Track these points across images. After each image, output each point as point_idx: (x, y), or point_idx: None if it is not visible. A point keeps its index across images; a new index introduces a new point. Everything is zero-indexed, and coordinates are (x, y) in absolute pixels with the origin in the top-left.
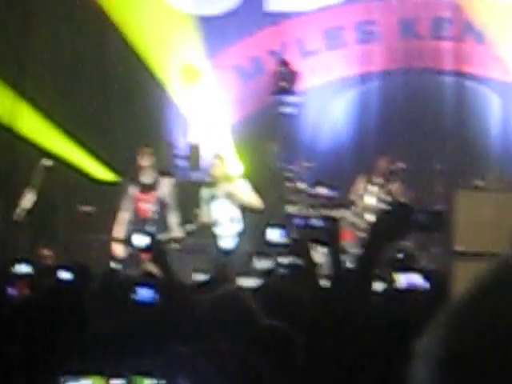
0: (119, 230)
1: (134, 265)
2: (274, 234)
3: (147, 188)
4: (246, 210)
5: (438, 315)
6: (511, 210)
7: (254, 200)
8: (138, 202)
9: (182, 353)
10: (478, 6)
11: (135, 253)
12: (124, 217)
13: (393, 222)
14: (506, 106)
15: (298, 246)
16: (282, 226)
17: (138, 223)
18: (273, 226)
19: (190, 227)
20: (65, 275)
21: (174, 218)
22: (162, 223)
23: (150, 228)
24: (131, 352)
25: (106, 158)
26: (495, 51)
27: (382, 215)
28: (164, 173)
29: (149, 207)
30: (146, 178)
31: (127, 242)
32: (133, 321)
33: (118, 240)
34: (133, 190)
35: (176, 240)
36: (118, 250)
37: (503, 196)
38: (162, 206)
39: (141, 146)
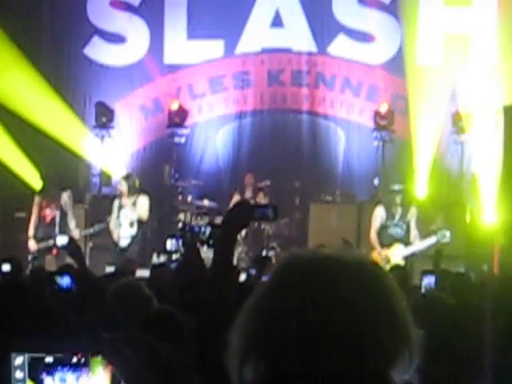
0: (31, 231)
1: (42, 257)
2: (172, 243)
3: (50, 199)
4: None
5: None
6: (351, 218)
7: (144, 214)
8: (44, 209)
9: (106, 338)
10: (328, 61)
11: (44, 248)
12: (33, 220)
13: (237, 215)
14: (349, 139)
15: (189, 248)
16: (177, 236)
17: (44, 226)
18: (171, 236)
19: (88, 231)
20: (5, 267)
21: (72, 223)
22: (64, 226)
23: (53, 229)
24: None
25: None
26: (341, 96)
27: (229, 211)
28: (63, 188)
29: (51, 214)
30: (50, 191)
31: (54, 241)
32: (57, 304)
33: (32, 238)
34: (38, 200)
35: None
36: (32, 245)
37: (345, 207)
38: (63, 212)
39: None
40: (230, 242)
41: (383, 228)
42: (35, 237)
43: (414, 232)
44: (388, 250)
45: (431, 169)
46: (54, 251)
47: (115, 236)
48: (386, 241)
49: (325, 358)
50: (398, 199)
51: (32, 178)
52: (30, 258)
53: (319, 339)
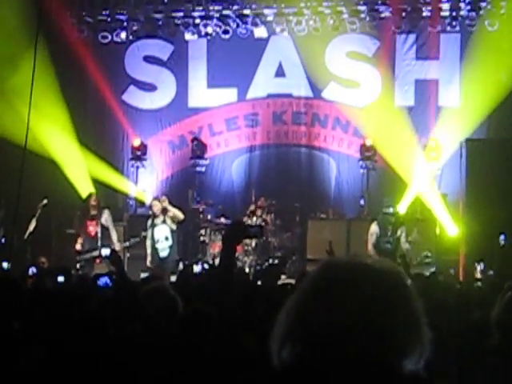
0: (78, 245)
1: (90, 266)
2: (197, 268)
3: (93, 217)
4: (175, 221)
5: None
6: (342, 232)
7: (179, 214)
8: (88, 226)
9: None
10: (322, 104)
11: (90, 258)
12: (80, 236)
13: (234, 232)
14: (339, 167)
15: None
16: (201, 262)
17: (89, 239)
18: (197, 262)
19: (125, 244)
20: (60, 278)
21: (114, 236)
22: (105, 239)
23: (96, 243)
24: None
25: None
26: (333, 132)
27: (227, 228)
28: (104, 207)
29: (94, 229)
30: (93, 211)
31: (98, 252)
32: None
33: (79, 251)
34: (84, 219)
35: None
36: (77, 257)
37: (337, 223)
38: (104, 228)
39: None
40: (230, 251)
41: (376, 243)
42: (81, 249)
43: (405, 246)
44: None
45: (407, 191)
46: (98, 260)
47: (148, 250)
48: (379, 254)
49: (346, 346)
50: (391, 219)
51: (79, 197)
52: (78, 266)
53: (343, 331)
